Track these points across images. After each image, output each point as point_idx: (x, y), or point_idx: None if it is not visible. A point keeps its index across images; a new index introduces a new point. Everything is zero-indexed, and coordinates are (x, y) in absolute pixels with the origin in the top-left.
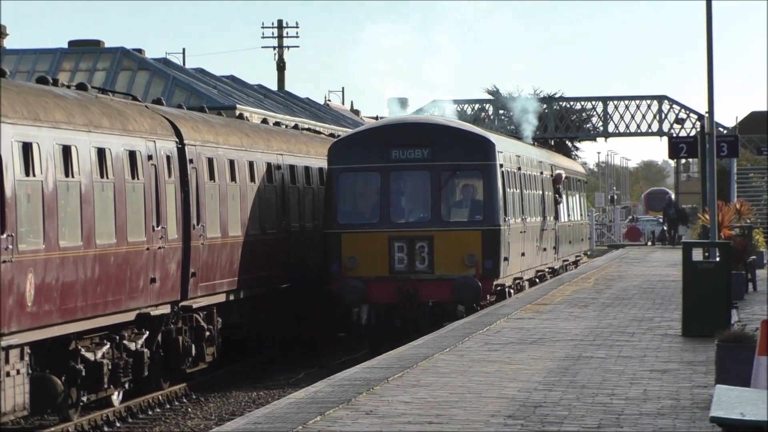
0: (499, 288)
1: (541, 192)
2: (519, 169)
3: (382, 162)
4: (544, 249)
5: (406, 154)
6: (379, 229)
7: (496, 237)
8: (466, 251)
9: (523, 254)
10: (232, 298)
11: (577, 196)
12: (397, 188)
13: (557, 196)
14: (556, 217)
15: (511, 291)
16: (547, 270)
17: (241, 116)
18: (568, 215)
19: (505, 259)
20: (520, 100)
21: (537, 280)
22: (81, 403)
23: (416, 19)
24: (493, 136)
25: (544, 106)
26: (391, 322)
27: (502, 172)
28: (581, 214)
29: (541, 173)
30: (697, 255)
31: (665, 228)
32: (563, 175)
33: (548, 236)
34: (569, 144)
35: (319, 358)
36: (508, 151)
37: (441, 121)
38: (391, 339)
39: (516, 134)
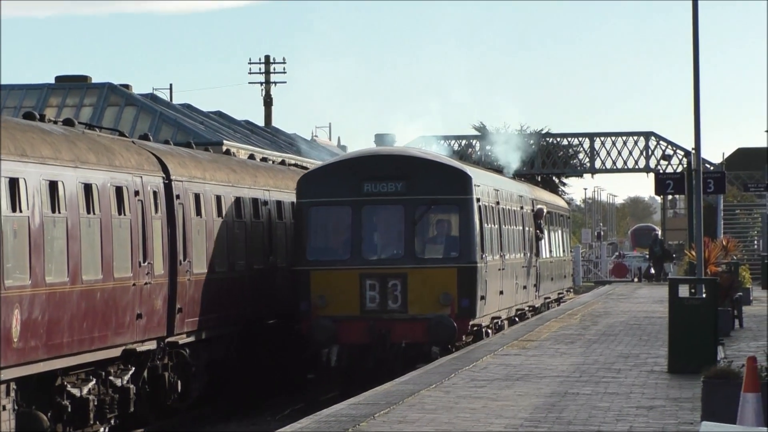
0: (475, 328)
1: (521, 227)
2: (498, 203)
3: (353, 196)
4: (524, 287)
5: (379, 188)
6: (350, 266)
7: (473, 274)
8: (441, 289)
9: (501, 292)
10: (218, 333)
11: (560, 231)
12: (369, 223)
13: (538, 231)
14: (537, 254)
15: (489, 331)
16: (527, 308)
17: (228, 152)
18: (550, 251)
19: (482, 297)
20: (509, 138)
21: (517, 319)
22: None
23: (401, 57)
24: (469, 169)
25: (531, 142)
26: (363, 363)
27: (480, 206)
28: (564, 250)
29: (522, 208)
30: (684, 291)
31: (650, 265)
32: (545, 210)
33: (528, 273)
34: (556, 180)
35: (306, 395)
36: (486, 184)
37: (415, 153)
38: (362, 381)
39: (501, 170)
